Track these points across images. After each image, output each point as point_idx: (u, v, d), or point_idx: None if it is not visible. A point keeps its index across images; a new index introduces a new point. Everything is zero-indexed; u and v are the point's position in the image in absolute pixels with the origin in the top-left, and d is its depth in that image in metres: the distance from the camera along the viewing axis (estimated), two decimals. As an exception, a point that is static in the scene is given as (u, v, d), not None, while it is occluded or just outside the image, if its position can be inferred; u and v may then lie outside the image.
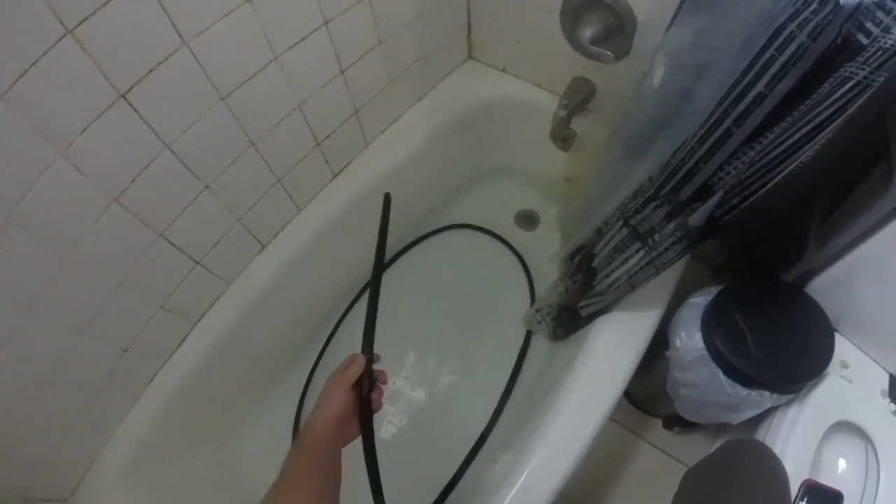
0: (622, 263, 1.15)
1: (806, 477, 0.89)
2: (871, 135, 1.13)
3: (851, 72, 0.70)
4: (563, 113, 1.45)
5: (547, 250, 1.72)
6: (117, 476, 1.20)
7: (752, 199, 0.88)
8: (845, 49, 0.69)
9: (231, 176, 1.16)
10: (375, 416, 0.90)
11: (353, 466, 0.85)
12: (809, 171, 0.88)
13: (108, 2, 0.78)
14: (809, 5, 0.68)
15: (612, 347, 1.23)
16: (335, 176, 1.50)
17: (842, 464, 1.30)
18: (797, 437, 1.23)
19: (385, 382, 0.95)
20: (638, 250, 1.10)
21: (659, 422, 1.79)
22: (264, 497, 0.77)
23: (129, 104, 0.89)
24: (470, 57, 1.78)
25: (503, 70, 1.74)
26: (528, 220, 2.05)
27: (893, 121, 1.18)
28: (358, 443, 0.87)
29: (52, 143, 0.81)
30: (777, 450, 1.17)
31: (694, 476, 1.12)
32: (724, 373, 1.19)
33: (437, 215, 2.02)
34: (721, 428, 1.72)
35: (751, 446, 1.08)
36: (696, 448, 1.73)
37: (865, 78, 0.70)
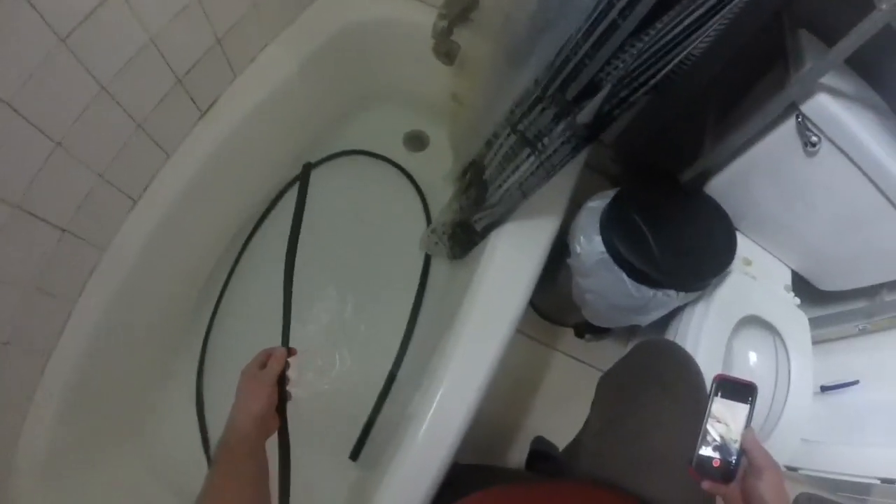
0: (513, 172, 1.12)
1: (719, 371, 0.91)
2: (764, 39, 1.14)
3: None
4: (442, 24, 1.38)
5: (439, 171, 1.67)
6: (35, 486, 1.13)
7: (642, 91, 0.85)
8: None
9: (84, 127, 1.04)
10: None
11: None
12: (704, 72, 0.86)
13: None
14: None
15: (511, 258, 1.21)
16: (203, 114, 1.38)
17: (752, 356, 1.36)
18: (706, 334, 1.28)
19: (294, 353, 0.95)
20: (528, 156, 1.07)
21: (570, 331, 1.82)
22: (204, 488, 0.77)
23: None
24: (341, -25, 1.66)
25: (376, -15, 1.63)
26: (417, 141, 2.00)
27: (788, 18, 1.19)
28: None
29: None
30: (688, 347, 1.20)
31: (609, 380, 1.14)
32: (628, 275, 1.20)
33: (321, 145, 1.92)
34: (632, 331, 1.78)
35: (662, 346, 1.10)
36: (609, 353, 1.77)
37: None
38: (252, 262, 1.75)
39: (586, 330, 1.75)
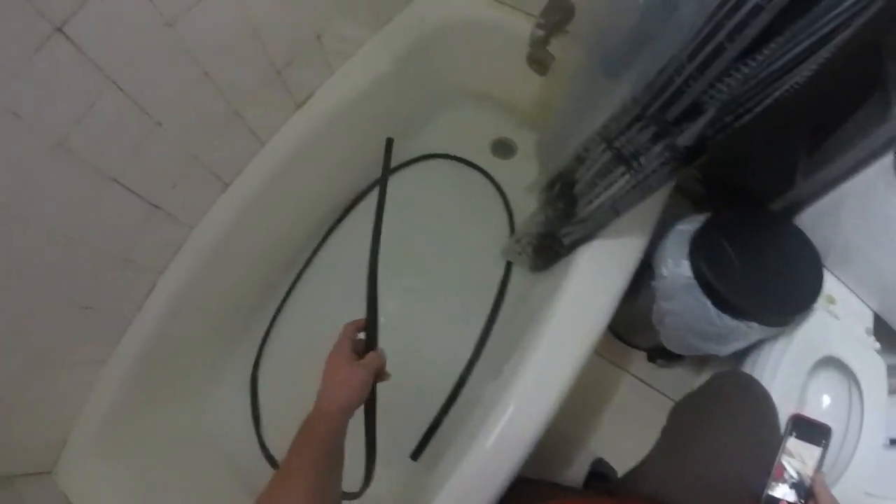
0: (606, 188, 1.09)
1: (794, 411, 0.88)
2: (868, 62, 1.08)
3: (855, -17, 0.64)
4: (540, 33, 1.37)
5: (525, 179, 1.66)
6: (94, 442, 1.19)
7: (748, 117, 0.82)
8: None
9: (184, 110, 1.08)
10: None
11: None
12: (803, 95, 0.83)
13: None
14: None
15: (596, 277, 1.18)
16: (299, 106, 1.41)
17: (826, 399, 1.30)
18: (784, 372, 1.23)
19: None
20: (623, 174, 1.04)
21: (642, 354, 1.78)
22: (277, 482, 0.76)
23: (67, 37, 0.80)
24: (441, -25, 1.67)
25: (476, -10, 1.64)
26: (505, 148, 1.99)
27: (888, 49, 1.13)
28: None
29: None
30: (764, 383, 1.16)
31: (684, 408, 1.12)
32: (712, 303, 1.16)
33: (409, 146, 1.94)
34: (705, 361, 1.72)
35: (741, 379, 1.07)
36: (680, 381, 1.73)
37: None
38: (330, 256, 1.78)
39: (659, 355, 1.71)
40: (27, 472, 1.10)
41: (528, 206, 1.55)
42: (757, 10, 0.71)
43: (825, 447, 0.81)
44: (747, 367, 1.33)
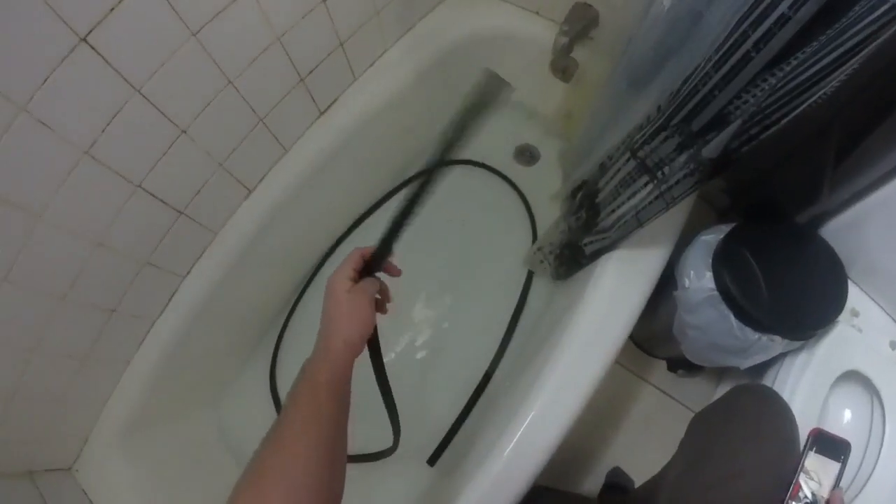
0: (629, 198, 1.09)
1: (814, 426, 0.87)
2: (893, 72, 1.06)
3: (886, -6, 0.63)
4: (564, 41, 1.37)
5: (548, 186, 1.66)
6: (116, 441, 1.20)
7: (774, 129, 0.81)
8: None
9: (209, 118, 1.08)
10: None
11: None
12: (828, 107, 0.82)
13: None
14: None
15: (619, 287, 1.17)
16: (322, 113, 1.42)
17: (847, 414, 1.28)
18: (805, 386, 1.21)
19: (396, 274, 0.89)
20: (646, 184, 1.03)
21: (662, 363, 1.77)
22: (276, 437, 0.70)
23: (92, 48, 0.81)
24: (464, -17, 1.68)
25: (500, -3, 1.63)
26: (527, 155, 1.98)
27: None
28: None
29: (11, 100, 0.74)
30: (784, 397, 1.15)
31: (703, 420, 1.11)
32: (735, 315, 1.16)
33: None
34: (725, 372, 1.71)
35: (761, 392, 1.05)
36: (700, 391, 1.72)
37: (902, 2, 0.62)
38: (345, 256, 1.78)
39: (680, 365, 1.70)
40: (47, 468, 1.12)
41: (550, 213, 1.55)
42: (784, 19, 0.70)
43: (844, 462, 0.81)
44: (768, 380, 1.32)
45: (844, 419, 1.27)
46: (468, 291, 1.76)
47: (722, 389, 1.65)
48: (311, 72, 1.28)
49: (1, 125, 0.74)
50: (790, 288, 1.16)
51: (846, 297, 1.19)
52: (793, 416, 0.98)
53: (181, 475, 1.30)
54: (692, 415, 1.14)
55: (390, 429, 1.03)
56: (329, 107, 1.43)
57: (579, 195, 1.28)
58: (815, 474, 0.83)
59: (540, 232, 1.80)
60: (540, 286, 1.73)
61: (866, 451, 1.20)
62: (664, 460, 1.16)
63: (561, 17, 1.42)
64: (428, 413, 1.56)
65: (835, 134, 1.18)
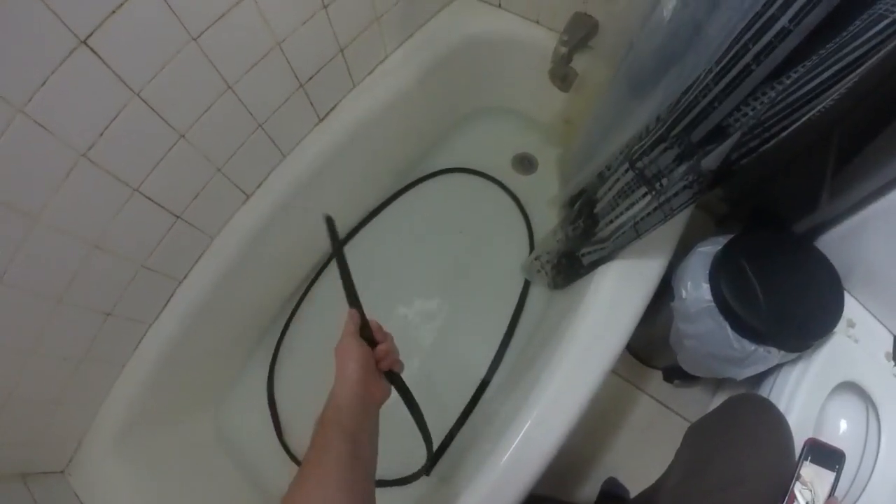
0: (627, 209, 1.09)
1: (810, 436, 0.87)
2: (893, 82, 1.06)
3: (887, 9, 0.63)
4: (563, 49, 1.37)
5: (546, 195, 1.66)
6: (110, 444, 1.20)
7: (773, 141, 0.82)
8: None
9: (208, 123, 1.08)
10: None
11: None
12: (827, 117, 0.82)
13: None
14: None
15: (616, 297, 1.17)
16: (321, 119, 1.42)
17: (843, 425, 1.28)
18: (801, 396, 1.22)
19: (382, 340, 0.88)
20: (645, 195, 1.03)
21: (658, 374, 1.77)
22: (295, 477, 0.71)
23: (92, 50, 0.81)
24: (465, -9, 1.69)
25: (499, 6, 1.64)
26: (525, 163, 1.98)
27: None
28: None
29: (9, 101, 0.74)
30: (781, 407, 1.15)
31: (700, 430, 1.11)
32: (732, 326, 1.16)
33: (430, 159, 1.95)
34: (721, 382, 1.71)
35: (756, 402, 1.06)
36: (696, 402, 1.71)
37: (903, 17, 0.62)
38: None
39: (676, 375, 1.69)
40: (40, 471, 1.12)
41: (547, 221, 1.55)
42: (785, 33, 0.70)
43: (839, 472, 0.82)
44: (765, 390, 1.32)
45: (841, 429, 1.27)
46: (465, 299, 1.76)
47: (718, 400, 1.65)
48: (310, 78, 1.28)
49: (-1, 127, 0.74)
50: (787, 299, 1.17)
51: (842, 307, 1.20)
52: (788, 425, 0.99)
53: (176, 479, 1.30)
54: (688, 425, 1.14)
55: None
56: (328, 113, 1.43)
57: (578, 204, 1.29)
58: (811, 484, 0.84)
59: (537, 240, 1.80)
60: (537, 295, 1.72)
61: (862, 461, 1.20)
62: (660, 470, 1.16)
63: (561, 26, 1.42)
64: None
65: (834, 144, 1.19)
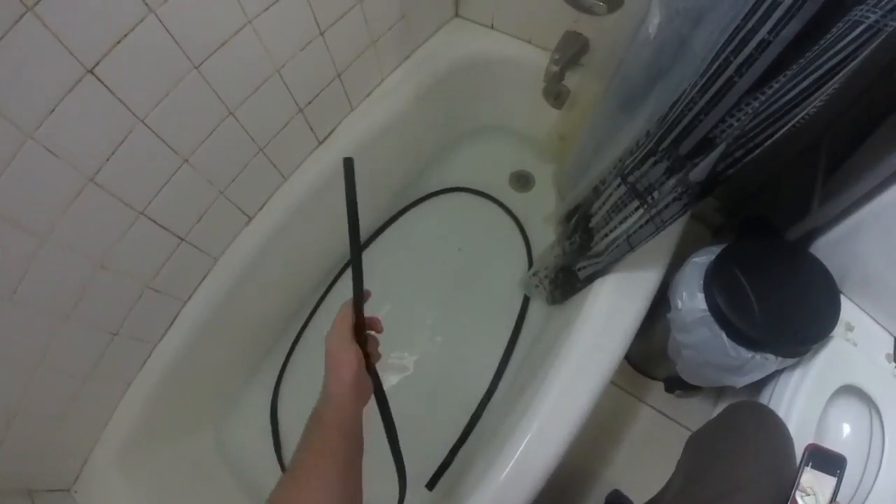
0: (621, 222, 1.11)
1: (810, 441, 0.88)
2: (882, 86, 1.09)
3: (862, 15, 0.65)
4: (555, 68, 1.40)
5: (543, 211, 1.68)
6: (115, 462, 1.20)
7: (758, 151, 0.84)
8: (855, -10, 0.64)
9: (210, 147, 1.11)
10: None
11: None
12: (816, 123, 0.84)
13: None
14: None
15: (612, 309, 1.19)
16: (321, 142, 1.45)
17: (846, 429, 1.28)
18: (801, 402, 1.22)
19: (380, 331, 0.89)
20: (637, 208, 1.06)
21: (660, 384, 1.77)
22: (289, 476, 0.72)
23: (98, 79, 0.83)
24: (457, 15, 1.72)
25: (492, 27, 1.68)
26: (522, 180, 2.01)
27: None
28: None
29: (19, 127, 0.76)
30: (781, 413, 1.16)
31: (699, 439, 1.11)
32: (728, 335, 1.17)
33: (428, 179, 1.97)
34: (722, 391, 1.71)
35: (756, 409, 1.06)
36: (697, 411, 1.72)
37: (878, 21, 0.64)
38: (348, 283, 1.80)
39: (676, 385, 1.70)
40: (47, 489, 1.12)
41: (545, 238, 1.57)
42: (765, 44, 0.73)
43: (840, 477, 0.82)
44: (764, 398, 1.32)
45: (843, 433, 1.28)
46: (466, 316, 1.77)
47: (720, 408, 1.64)
48: (309, 102, 1.31)
49: (10, 151, 0.76)
50: (782, 305, 1.18)
51: (839, 311, 1.20)
52: (788, 431, 0.99)
53: (181, 495, 1.30)
54: (690, 434, 1.15)
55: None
56: (327, 136, 1.46)
57: (574, 219, 1.31)
58: (812, 490, 0.84)
59: (535, 256, 1.82)
60: (536, 310, 1.74)
61: (867, 465, 1.20)
62: (664, 481, 1.16)
63: (552, 44, 1.45)
64: (426, 437, 1.55)
65: (823, 151, 1.21)
